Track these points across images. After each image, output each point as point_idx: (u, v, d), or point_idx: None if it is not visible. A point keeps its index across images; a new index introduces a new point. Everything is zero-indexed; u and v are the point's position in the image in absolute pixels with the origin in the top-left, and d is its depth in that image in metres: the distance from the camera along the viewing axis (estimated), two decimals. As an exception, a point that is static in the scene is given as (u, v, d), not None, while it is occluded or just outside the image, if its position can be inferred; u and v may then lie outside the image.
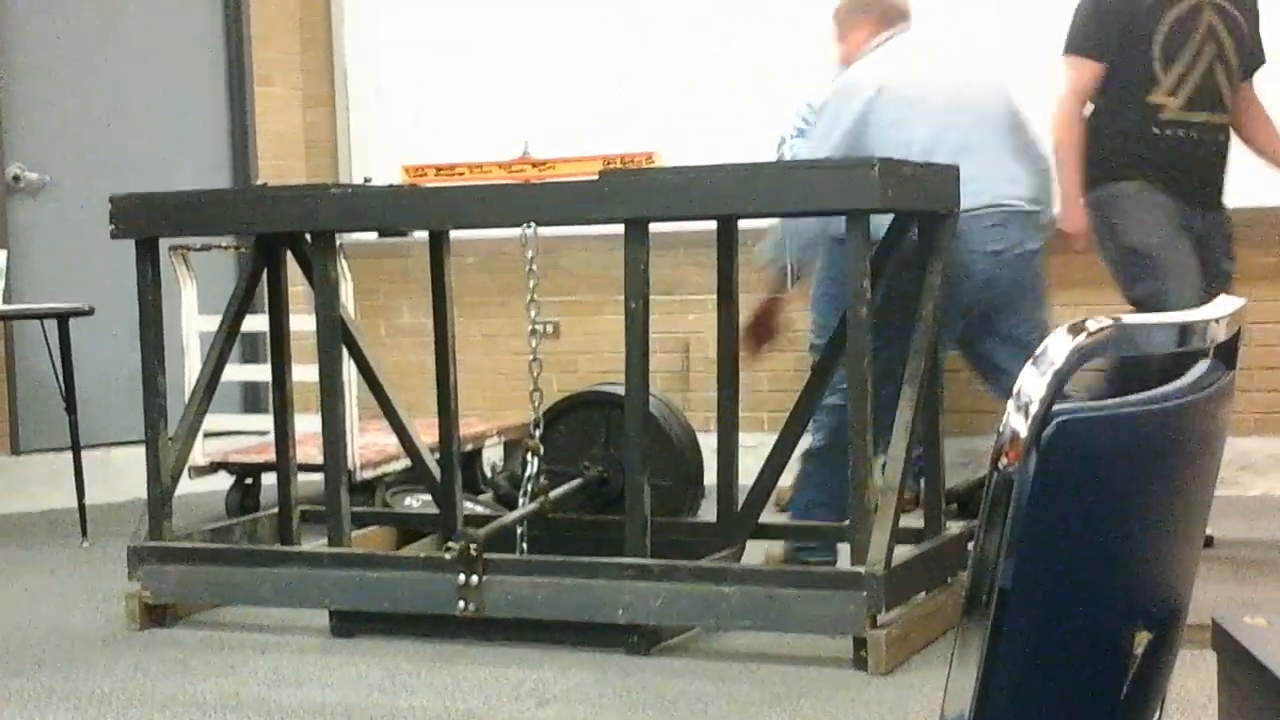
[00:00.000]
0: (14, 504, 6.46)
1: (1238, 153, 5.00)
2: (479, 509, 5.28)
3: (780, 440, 4.58)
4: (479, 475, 6.41)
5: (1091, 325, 1.21)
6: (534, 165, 4.38)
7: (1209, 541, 4.75)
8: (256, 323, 5.15)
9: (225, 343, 4.69)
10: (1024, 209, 4.56)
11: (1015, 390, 1.19)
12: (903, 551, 4.03)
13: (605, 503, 5.01)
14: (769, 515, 4.68)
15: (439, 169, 4.50)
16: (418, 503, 5.86)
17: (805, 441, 4.61)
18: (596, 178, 4.08)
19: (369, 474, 5.74)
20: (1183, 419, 1.31)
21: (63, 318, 5.79)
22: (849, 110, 4.53)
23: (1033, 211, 4.60)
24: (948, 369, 4.62)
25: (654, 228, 4.08)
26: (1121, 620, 1.30)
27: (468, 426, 5.86)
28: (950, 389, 4.85)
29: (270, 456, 5.03)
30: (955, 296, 4.37)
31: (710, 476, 4.85)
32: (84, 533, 5.76)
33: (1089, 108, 4.93)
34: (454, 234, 4.75)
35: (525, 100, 6.81)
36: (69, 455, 5.80)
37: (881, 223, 4.21)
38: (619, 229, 4.06)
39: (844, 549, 3.97)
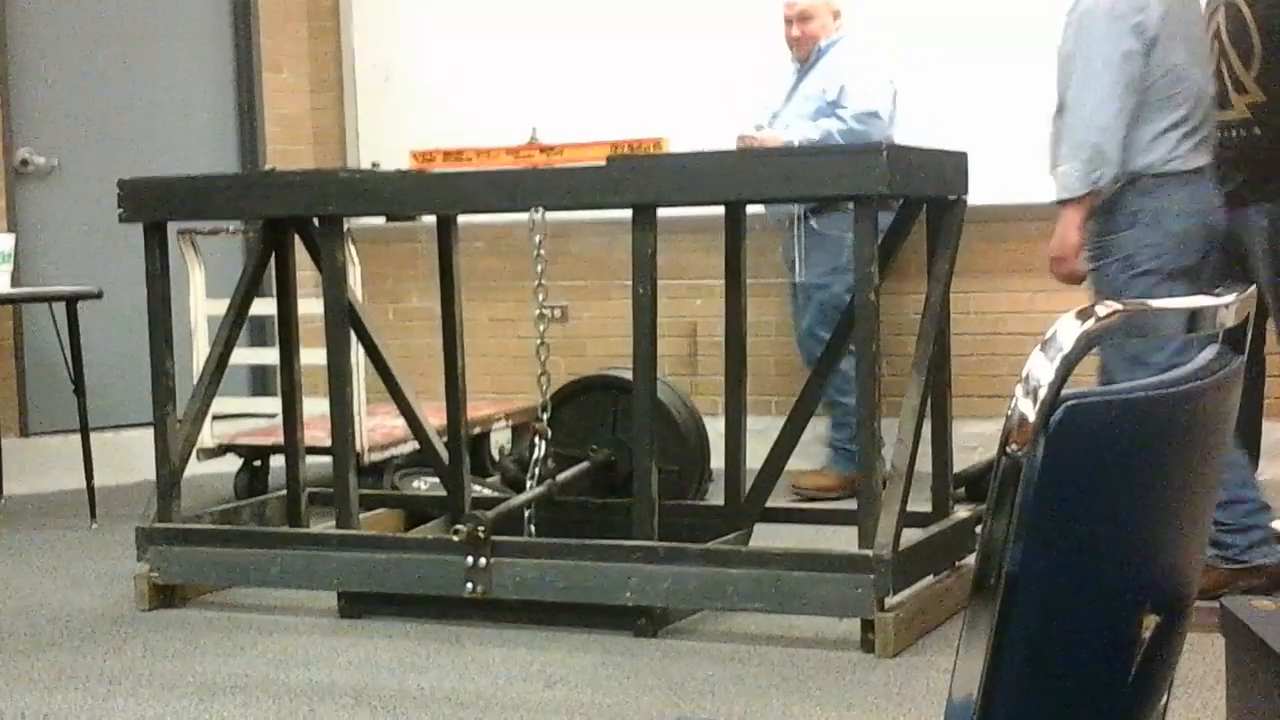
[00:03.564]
0: (23, 486, 6.47)
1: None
2: (487, 492, 5.29)
3: (788, 424, 4.59)
4: (487, 458, 6.42)
5: (1100, 310, 1.21)
6: (541, 150, 4.38)
7: None
8: (264, 306, 5.16)
9: (233, 326, 4.70)
10: None
11: (1024, 375, 1.19)
12: (911, 535, 4.03)
13: (613, 486, 5.02)
14: (776, 499, 4.69)
15: (446, 154, 4.50)
16: (425, 485, 5.87)
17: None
18: (604, 163, 4.09)
19: (377, 457, 5.75)
20: (1191, 404, 1.32)
21: (71, 301, 5.80)
22: None
23: None
24: (956, 354, 4.63)
25: (662, 212, 4.09)
26: (1129, 604, 1.31)
27: (475, 410, 5.86)
28: (958, 373, 4.85)
29: (278, 439, 5.04)
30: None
31: (717, 460, 4.86)
32: (93, 514, 5.77)
33: None
34: (462, 218, 4.75)
35: (533, 85, 6.81)
36: (78, 437, 5.82)
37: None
38: (627, 214, 4.07)
39: (850, 532, 3.98)
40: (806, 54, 5.81)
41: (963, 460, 4.87)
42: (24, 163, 6.72)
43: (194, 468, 4.94)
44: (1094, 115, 4.01)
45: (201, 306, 5.94)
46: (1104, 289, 4.13)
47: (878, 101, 5.67)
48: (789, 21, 5.83)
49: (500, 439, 6.65)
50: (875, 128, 5.59)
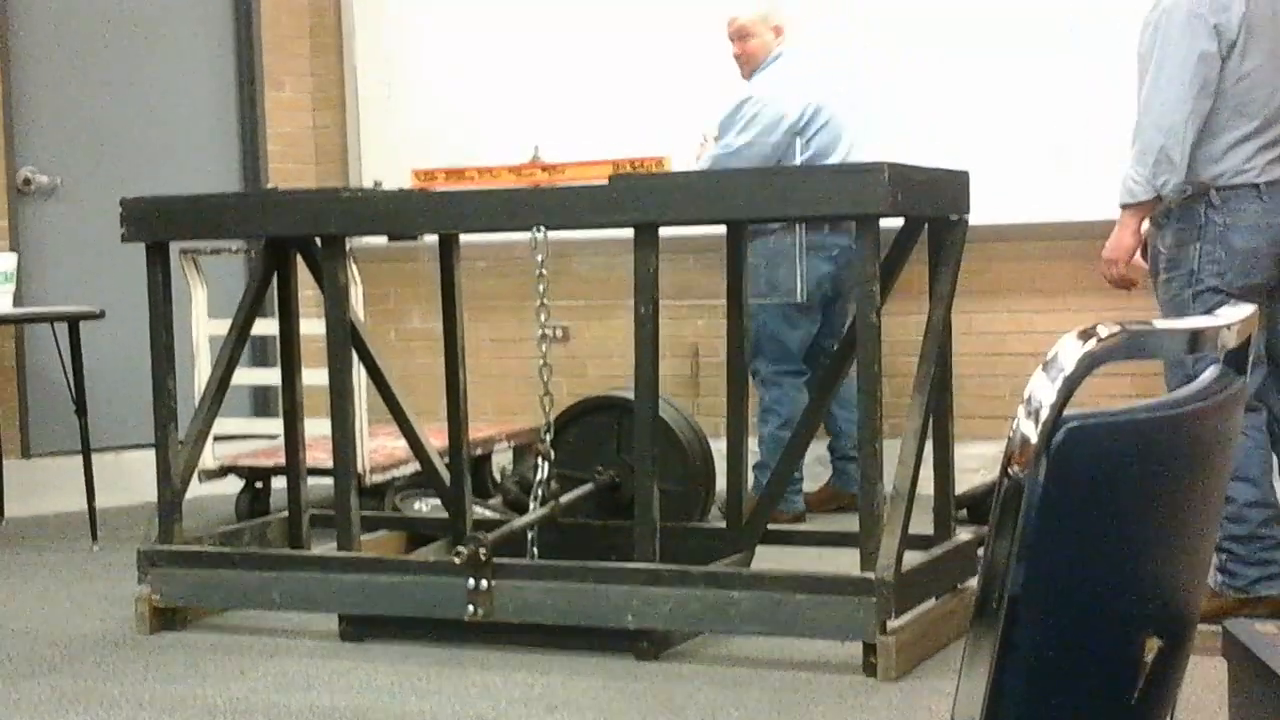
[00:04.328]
0: (24, 507, 6.46)
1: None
2: (488, 514, 5.28)
3: (790, 445, 4.58)
4: (488, 480, 6.41)
5: (1102, 331, 1.21)
6: (544, 169, 4.38)
7: None
8: (266, 326, 5.16)
9: (235, 346, 4.69)
10: None
11: (1026, 396, 1.19)
12: (912, 557, 4.02)
13: (615, 508, 5.01)
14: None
15: (448, 173, 4.50)
16: (427, 507, 5.86)
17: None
18: (606, 182, 4.08)
19: (378, 478, 5.74)
20: (1193, 425, 1.31)
21: (73, 321, 5.80)
22: None
23: None
24: (958, 375, 4.62)
25: (663, 232, 4.08)
26: (1132, 627, 1.30)
27: (477, 431, 5.85)
28: (960, 394, 4.84)
29: (280, 460, 5.03)
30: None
31: (720, 482, 4.85)
32: (94, 536, 5.76)
33: None
34: (464, 238, 4.75)
35: (535, 103, 6.81)
36: (79, 458, 5.81)
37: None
38: (629, 233, 4.06)
39: (852, 554, 3.96)
40: (750, 74, 5.72)
41: (965, 482, 4.86)
42: (26, 182, 6.72)
43: (195, 489, 4.93)
44: (1163, 117, 3.89)
45: (203, 326, 5.93)
46: (1167, 304, 4.03)
47: (739, 138, 5.44)
48: (731, 40, 5.74)
49: (502, 460, 6.64)
50: (731, 165, 5.36)
